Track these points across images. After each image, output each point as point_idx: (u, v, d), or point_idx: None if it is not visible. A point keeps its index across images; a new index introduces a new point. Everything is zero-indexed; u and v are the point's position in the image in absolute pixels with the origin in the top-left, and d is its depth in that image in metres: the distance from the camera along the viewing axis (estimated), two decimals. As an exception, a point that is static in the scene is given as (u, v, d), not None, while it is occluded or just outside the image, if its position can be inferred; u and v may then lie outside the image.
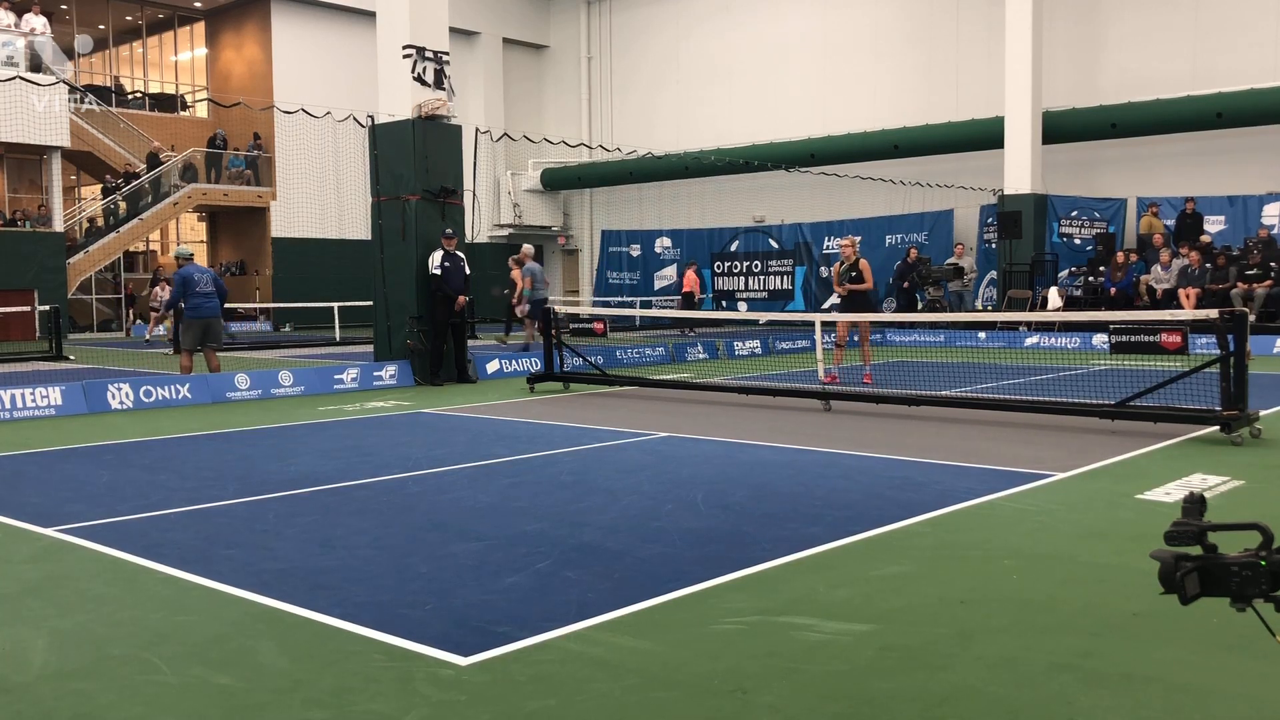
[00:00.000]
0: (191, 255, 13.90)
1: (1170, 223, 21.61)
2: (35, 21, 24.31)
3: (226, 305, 13.81)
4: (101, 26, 32.13)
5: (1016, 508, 5.86)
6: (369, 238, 14.61)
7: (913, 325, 20.74)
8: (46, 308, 19.53)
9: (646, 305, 28.15)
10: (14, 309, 20.81)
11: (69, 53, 28.30)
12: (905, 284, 23.44)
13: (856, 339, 13.14)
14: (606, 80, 33.24)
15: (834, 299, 26.68)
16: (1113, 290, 20.23)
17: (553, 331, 12.91)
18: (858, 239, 14.00)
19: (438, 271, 13.29)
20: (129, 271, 29.25)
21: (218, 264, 31.45)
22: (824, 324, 12.58)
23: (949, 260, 23.76)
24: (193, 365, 12.83)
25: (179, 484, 6.90)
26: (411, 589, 4.40)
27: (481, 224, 23.91)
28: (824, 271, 27.64)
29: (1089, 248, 22.70)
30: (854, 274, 12.66)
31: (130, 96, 31.70)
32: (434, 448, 8.36)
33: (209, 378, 12.39)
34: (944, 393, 10.66)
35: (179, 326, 13.73)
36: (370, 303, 14.50)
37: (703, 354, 17.54)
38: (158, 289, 24.54)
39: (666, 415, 10.22)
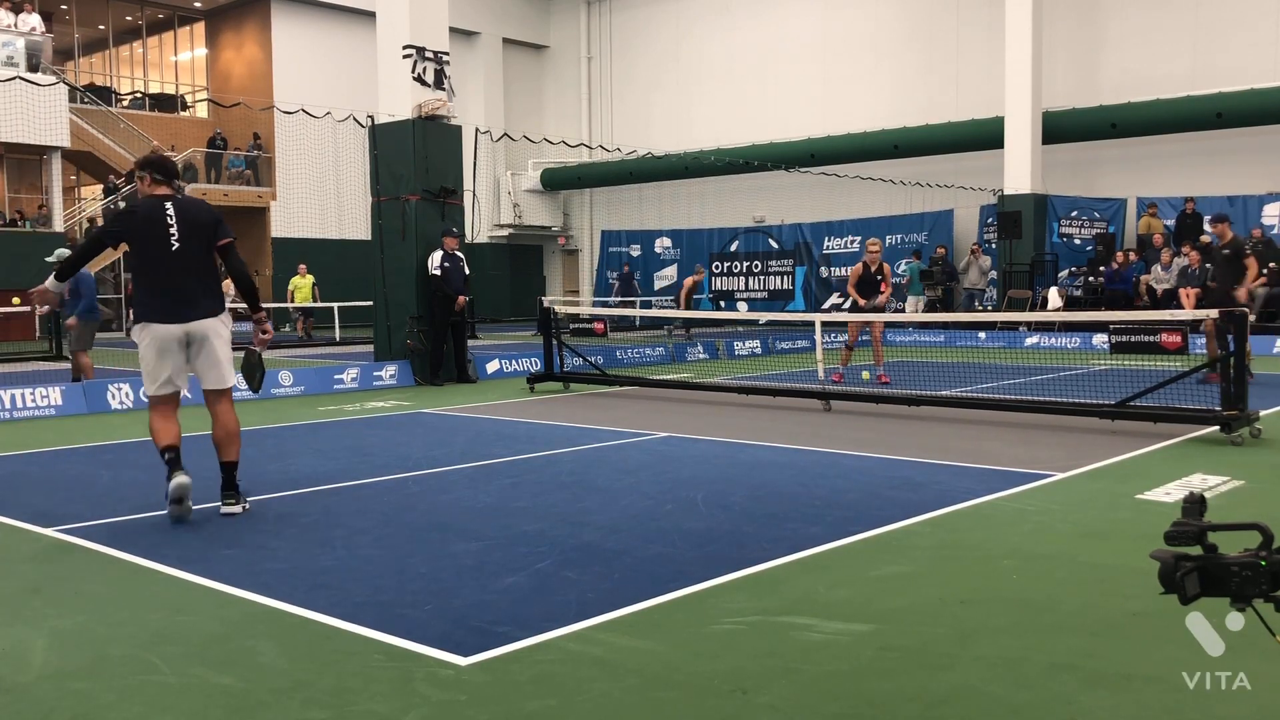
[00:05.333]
0: None
1: (1170, 223, 21.61)
2: (31, 20, 24.32)
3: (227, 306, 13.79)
4: (101, 26, 32.14)
5: (1016, 508, 5.86)
6: (369, 238, 14.60)
7: (918, 325, 20.74)
8: (46, 308, 19.49)
9: (646, 305, 28.14)
10: (14, 309, 20.80)
11: (68, 53, 28.32)
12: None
13: (866, 338, 13.12)
14: (606, 80, 33.25)
15: (838, 299, 26.76)
16: (1104, 289, 20.25)
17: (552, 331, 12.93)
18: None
19: (437, 272, 13.29)
20: (129, 272, 29.27)
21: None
22: (824, 324, 12.55)
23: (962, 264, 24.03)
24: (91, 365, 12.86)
25: (179, 484, 6.89)
26: (411, 589, 4.40)
27: (481, 224, 23.93)
28: (824, 271, 27.65)
29: (1089, 248, 22.71)
30: (879, 278, 12.65)
31: (128, 97, 31.70)
32: (434, 448, 8.36)
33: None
34: (944, 393, 10.66)
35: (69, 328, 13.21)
36: (370, 303, 14.50)
37: (703, 354, 17.54)
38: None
39: (666, 415, 10.22)
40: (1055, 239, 23.46)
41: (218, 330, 5.87)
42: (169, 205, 5.82)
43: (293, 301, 24.25)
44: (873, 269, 12.59)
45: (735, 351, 17.89)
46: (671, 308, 27.07)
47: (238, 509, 5.85)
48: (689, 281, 24.39)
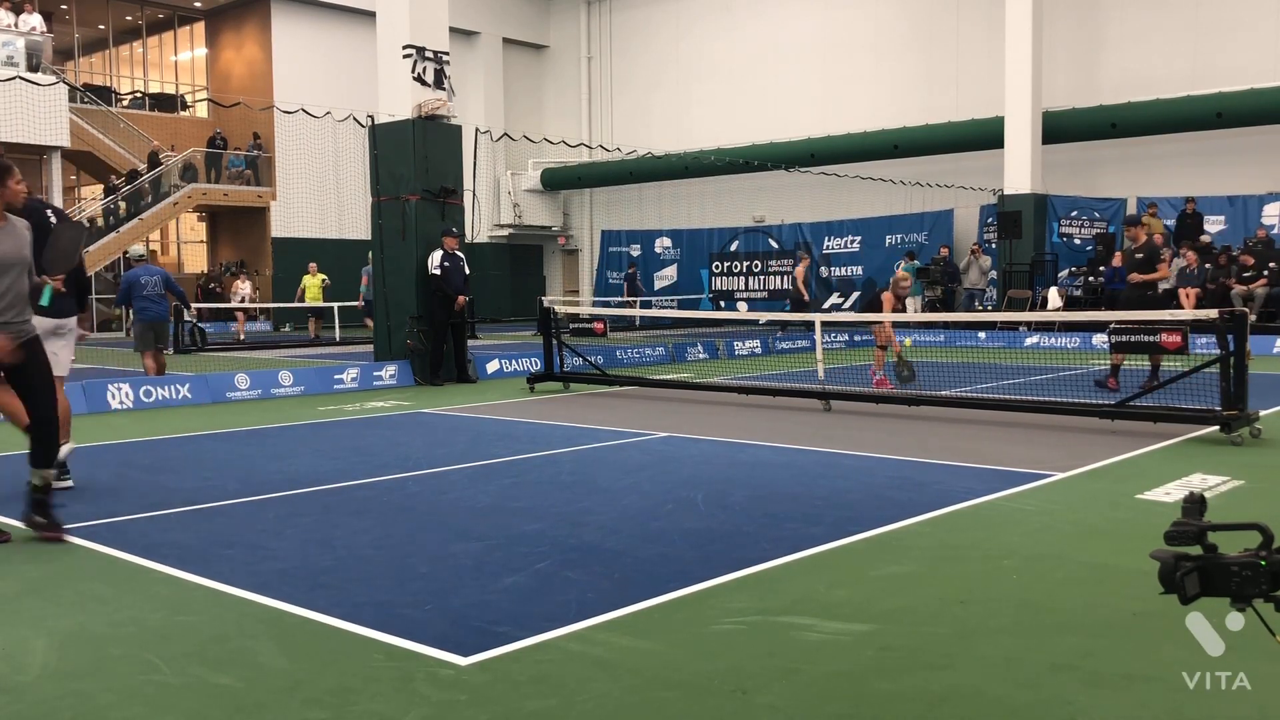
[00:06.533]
0: (143, 256, 13.74)
1: (1170, 223, 21.62)
2: (31, 20, 24.32)
3: (229, 306, 13.71)
4: (101, 26, 32.14)
5: (1016, 508, 5.86)
6: (369, 238, 14.60)
7: (918, 325, 20.72)
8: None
9: (646, 305, 28.15)
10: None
11: (68, 53, 28.28)
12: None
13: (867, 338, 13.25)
14: (606, 80, 33.25)
15: (837, 299, 26.75)
16: (1104, 289, 20.26)
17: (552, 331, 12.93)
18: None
19: (437, 271, 13.29)
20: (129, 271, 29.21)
21: (218, 264, 31.47)
22: (824, 324, 12.52)
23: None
24: (155, 365, 12.77)
25: (179, 484, 6.90)
26: (411, 589, 4.40)
27: (481, 224, 23.91)
28: (824, 271, 27.65)
29: (1089, 248, 22.71)
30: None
31: (128, 97, 31.69)
32: (434, 448, 8.36)
33: (209, 378, 12.39)
34: (944, 393, 10.66)
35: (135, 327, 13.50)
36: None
37: (703, 354, 17.54)
38: (238, 282, 24.75)
39: (666, 415, 10.22)
40: (1055, 239, 23.46)
41: (72, 328, 6.63)
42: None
43: (303, 300, 24.13)
44: (903, 299, 12.83)
45: (735, 351, 17.89)
46: (671, 308, 27.07)
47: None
48: (800, 270, 23.82)
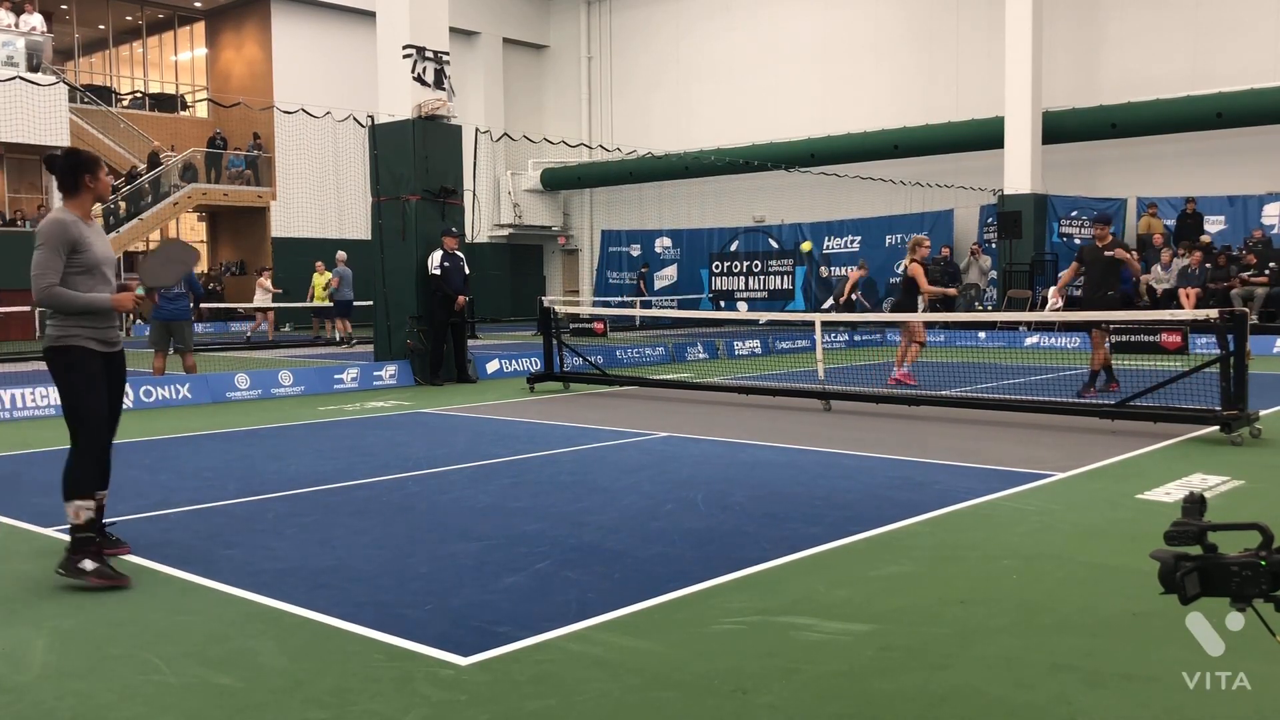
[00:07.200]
0: None
1: (1170, 223, 21.62)
2: (32, 20, 24.33)
3: (228, 305, 13.62)
4: (101, 26, 32.14)
5: (1016, 508, 5.86)
6: (369, 238, 14.60)
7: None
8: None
9: (646, 305, 28.15)
10: (14, 309, 20.79)
11: (68, 53, 28.22)
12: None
13: (868, 337, 13.11)
14: (606, 80, 33.25)
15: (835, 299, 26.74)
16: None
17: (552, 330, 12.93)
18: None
19: (437, 271, 13.28)
20: (129, 272, 29.19)
21: (218, 264, 31.44)
22: (824, 324, 12.49)
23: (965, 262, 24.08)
24: (165, 366, 12.69)
25: (179, 484, 6.90)
26: (411, 589, 4.40)
27: (481, 224, 23.92)
28: (824, 271, 27.65)
29: (1089, 248, 22.70)
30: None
31: (128, 97, 31.69)
32: (434, 448, 8.36)
33: (209, 378, 12.39)
34: (944, 393, 10.66)
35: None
36: (370, 302, 14.50)
37: (703, 354, 17.54)
38: (261, 279, 24.78)
39: (666, 415, 10.22)
40: (1055, 239, 23.46)
41: None
42: None
43: (312, 300, 23.96)
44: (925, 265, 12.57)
45: (735, 351, 17.89)
46: (671, 308, 27.07)
47: None
48: (854, 275, 23.71)
